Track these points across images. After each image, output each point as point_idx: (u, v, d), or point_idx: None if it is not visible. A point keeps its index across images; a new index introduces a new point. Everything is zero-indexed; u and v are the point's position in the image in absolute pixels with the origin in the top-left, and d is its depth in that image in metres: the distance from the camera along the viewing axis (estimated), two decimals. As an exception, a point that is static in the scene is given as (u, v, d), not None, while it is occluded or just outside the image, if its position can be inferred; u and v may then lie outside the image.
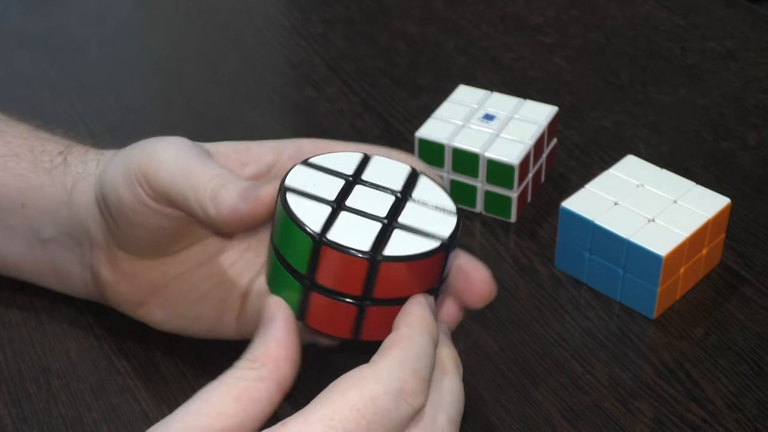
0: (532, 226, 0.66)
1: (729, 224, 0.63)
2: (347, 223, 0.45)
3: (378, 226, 0.45)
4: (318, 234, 0.44)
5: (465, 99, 0.69)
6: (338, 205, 0.46)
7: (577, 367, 0.57)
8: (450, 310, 0.51)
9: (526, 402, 0.55)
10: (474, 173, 0.65)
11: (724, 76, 0.79)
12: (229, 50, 0.84)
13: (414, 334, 0.43)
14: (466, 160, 0.65)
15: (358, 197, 0.46)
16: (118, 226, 0.51)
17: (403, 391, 0.41)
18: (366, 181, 0.47)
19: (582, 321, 0.60)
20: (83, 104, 0.77)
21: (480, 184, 0.66)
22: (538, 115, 0.67)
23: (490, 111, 0.67)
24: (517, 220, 0.66)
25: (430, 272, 0.46)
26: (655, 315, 0.60)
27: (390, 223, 0.46)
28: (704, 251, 0.61)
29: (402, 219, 0.46)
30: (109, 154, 0.54)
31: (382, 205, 0.46)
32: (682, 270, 0.60)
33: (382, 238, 0.45)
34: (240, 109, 0.77)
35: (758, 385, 0.56)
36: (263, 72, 0.82)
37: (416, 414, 0.42)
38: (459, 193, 0.66)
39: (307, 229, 0.44)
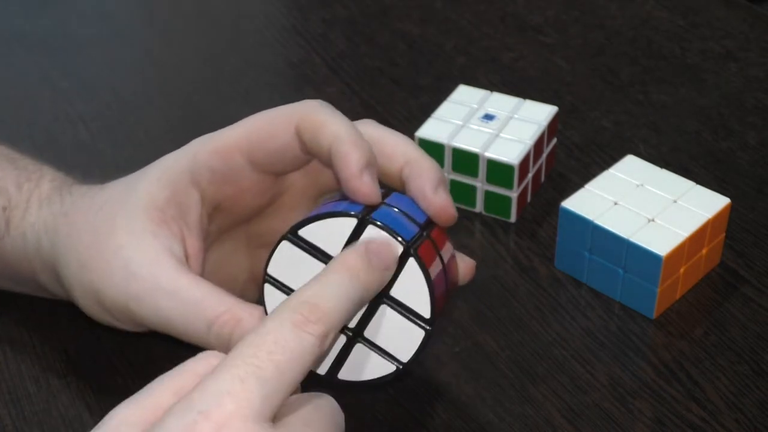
0: (532, 226, 0.66)
1: (729, 224, 0.63)
2: None
3: (343, 339, 0.48)
4: None
5: (465, 99, 0.69)
6: None
7: (577, 367, 0.57)
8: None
9: (526, 402, 0.55)
10: (474, 173, 0.65)
11: (724, 76, 0.79)
12: (229, 50, 0.84)
13: (327, 268, 0.44)
14: (466, 160, 0.65)
15: None
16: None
17: (297, 321, 0.41)
18: None
19: (582, 321, 0.60)
20: (83, 104, 0.77)
21: (480, 184, 0.66)
22: (538, 115, 0.67)
23: (490, 111, 0.67)
24: (517, 220, 0.66)
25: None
26: (655, 315, 0.60)
27: (354, 337, 0.48)
28: (704, 251, 0.61)
29: (368, 332, 0.48)
30: (48, 226, 0.54)
31: None
32: (682, 270, 0.60)
33: (343, 356, 0.48)
34: (240, 109, 0.77)
35: (758, 385, 0.56)
36: (263, 72, 0.82)
37: (324, 342, 0.41)
38: (459, 193, 0.66)
39: None
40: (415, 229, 0.48)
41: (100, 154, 0.72)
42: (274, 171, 0.52)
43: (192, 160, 0.52)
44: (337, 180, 0.49)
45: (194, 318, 0.48)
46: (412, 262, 0.47)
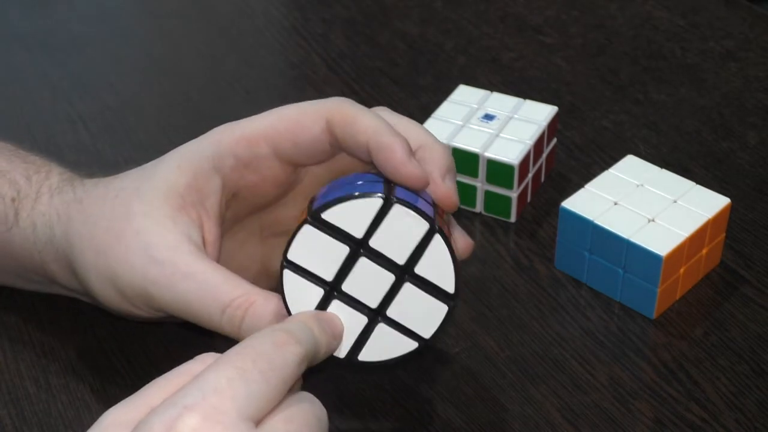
0: (532, 226, 0.66)
1: (729, 224, 0.63)
2: (336, 313, 0.48)
3: (364, 321, 0.48)
4: None
5: (465, 99, 0.69)
6: (332, 288, 0.48)
7: (577, 367, 0.57)
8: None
9: (526, 402, 0.55)
10: (474, 173, 0.65)
11: (724, 76, 0.79)
12: (229, 50, 0.84)
13: (285, 321, 0.46)
14: (466, 160, 0.65)
15: (356, 278, 0.48)
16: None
17: (277, 341, 0.42)
18: (372, 251, 0.47)
19: (582, 321, 0.60)
20: (83, 104, 0.77)
21: (480, 184, 0.66)
22: (538, 115, 0.67)
23: (490, 111, 0.67)
24: (517, 220, 0.66)
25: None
26: (655, 315, 0.60)
27: (376, 317, 0.48)
28: (704, 251, 0.61)
29: (390, 311, 0.48)
30: (62, 216, 0.54)
31: (378, 288, 0.48)
32: (682, 270, 0.60)
33: (364, 338, 0.48)
34: (240, 109, 0.77)
35: (758, 385, 0.56)
36: (263, 72, 0.82)
37: (301, 367, 0.42)
38: (459, 193, 0.66)
39: None
40: (431, 208, 0.48)
41: (100, 154, 0.72)
42: (297, 162, 0.53)
43: (216, 146, 0.52)
44: (379, 169, 0.49)
45: (211, 301, 0.48)
46: (437, 239, 0.47)
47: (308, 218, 0.47)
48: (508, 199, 0.65)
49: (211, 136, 0.53)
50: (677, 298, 0.61)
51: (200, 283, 0.49)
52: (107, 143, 0.73)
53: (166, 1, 0.93)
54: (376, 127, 0.50)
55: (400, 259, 0.47)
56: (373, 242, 0.47)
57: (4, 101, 0.78)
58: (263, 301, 0.48)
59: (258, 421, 0.40)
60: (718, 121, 0.75)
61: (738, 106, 0.76)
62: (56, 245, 0.53)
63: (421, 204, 0.48)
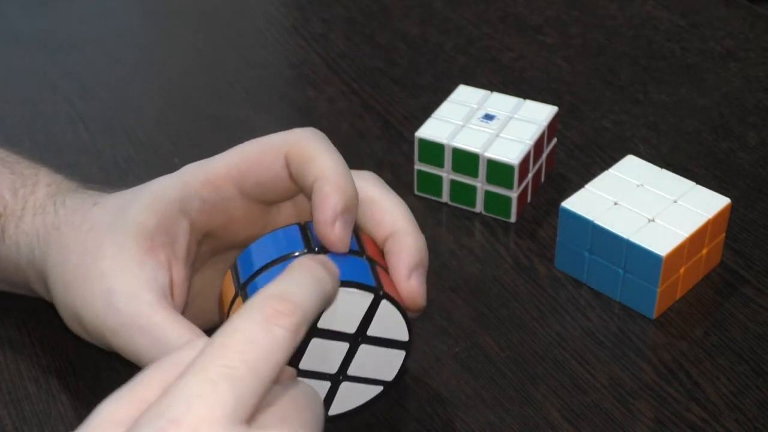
0: (532, 226, 0.66)
1: (729, 224, 0.63)
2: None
3: (327, 385, 0.48)
4: None
5: (465, 99, 0.69)
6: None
7: (577, 367, 0.57)
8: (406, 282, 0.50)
9: (526, 402, 0.55)
10: (474, 173, 0.65)
11: (724, 76, 0.79)
12: (229, 50, 0.84)
13: (284, 274, 0.42)
14: (466, 160, 0.65)
15: (311, 356, 0.47)
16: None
17: (268, 316, 0.39)
18: (321, 331, 0.46)
19: (582, 321, 0.60)
20: (83, 104, 0.77)
21: (480, 184, 0.66)
22: (538, 115, 0.67)
23: (490, 111, 0.67)
24: (517, 220, 0.66)
25: None
26: (655, 315, 0.60)
27: (338, 379, 0.48)
28: (704, 251, 0.61)
29: (351, 371, 0.48)
30: (40, 243, 0.53)
31: (334, 357, 0.47)
32: (682, 270, 0.60)
33: (330, 397, 0.48)
34: (240, 109, 0.77)
35: (758, 385, 0.56)
36: (263, 72, 0.82)
37: (297, 336, 0.40)
38: (459, 193, 0.66)
39: None
40: (366, 266, 0.47)
41: (100, 154, 0.72)
42: (264, 200, 0.52)
43: (182, 190, 0.51)
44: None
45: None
46: (384, 303, 0.46)
47: (238, 291, 0.47)
48: (508, 199, 0.65)
49: (180, 176, 0.52)
50: (677, 298, 0.61)
51: (155, 339, 0.48)
52: (107, 143, 0.73)
53: (166, 1, 0.93)
54: (327, 171, 0.48)
55: (351, 328, 0.47)
56: (321, 323, 0.46)
57: (4, 101, 0.78)
58: None
59: (249, 417, 0.38)
60: (718, 121, 0.75)
61: (738, 106, 0.76)
62: (36, 267, 0.53)
63: (358, 271, 0.46)
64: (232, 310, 0.48)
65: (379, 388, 0.49)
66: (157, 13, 0.91)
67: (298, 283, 0.41)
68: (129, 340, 0.49)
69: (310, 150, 0.49)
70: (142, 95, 0.79)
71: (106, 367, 0.56)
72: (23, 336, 0.58)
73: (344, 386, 0.48)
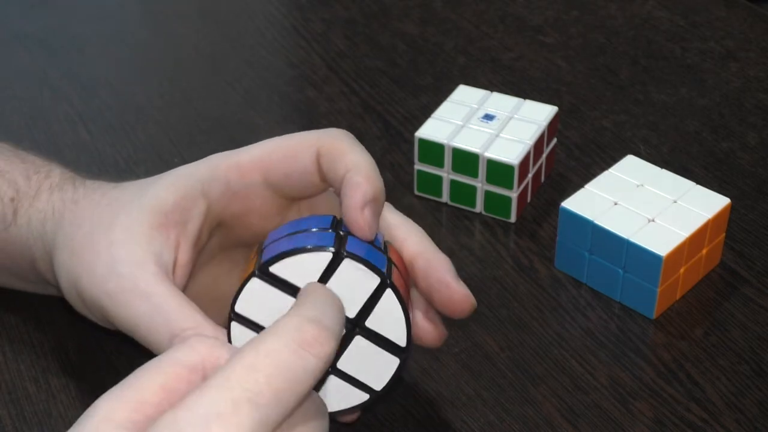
0: (532, 226, 0.66)
1: (729, 224, 0.63)
2: None
3: None
4: None
5: (465, 99, 0.69)
6: None
7: (577, 367, 0.57)
8: (432, 330, 0.51)
9: (526, 402, 0.55)
10: (474, 173, 0.65)
11: (724, 76, 0.79)
12: (229, 50, 0.84)
13: (314, 289, 0.43)
14: (466, 160, 0.65)
15: None
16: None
17: (303, 342, 0.39)
18: None
19: (582, 321, 0.60)
20: (83, 104, 0.77)
21: (480, 184, 0.66)
22: (538, 115, 0.67)
23: (490, 111, 0.67)
24: (517, 220, 0.66)
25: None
26: (655, 315, 0.60)
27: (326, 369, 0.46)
28: (704, 251, 0.61)
29: (341, 364, 0.47)
30: (52, 221, 0.53)
31: None
32: (682, 270, 0.60)
33: (316, 390, 0.46)
34: (240, 109, 0.77)
35: (758, 385, 0.56)
36: (263, 72, 0.82)
37: (326, 366, 0.39)
38: (459, 193, 0.66)
39: None
40: (384, 258, 0.47)
41: (100, 154, 0.72)
42: (287, 194, 0.53)
43: (210, 171, 0.52)
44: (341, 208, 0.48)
45: (161, 326, 0.47)
46: (389, 293, 0.46)
47: (256, 271, 0.46)
48: (508, 199, 0.65)
49: (208, 161, 0.53)
50: (677, 298, 0.61)
51: (154, 306, 0.48)
52: (107, 143, 0.73)
53: (166, 1, 0.93)
54: (359, 164, 0.49)
55: (351, 312, 0.46)
56: None
57: (4, 101, 0.78)
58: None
59: None
60: (718, 121, 0.75)
61: (738, 106, 0.76)
62: (45, 241, 0.53)
63: (374, 257, 0.46)
64: (249, 261, 0.48)
65: (365, 396, 0.48)
66: (157, 13, 0.91)
67: (329, 306, 0.42)
68: (127, 306, 0.48)
69: (343, 145, 0.50)
70: (142, 95, 0.79)
71: (107, 368, 0.56)
72: (23, 336, 0.58)
73: (331, 382, 0.47)
